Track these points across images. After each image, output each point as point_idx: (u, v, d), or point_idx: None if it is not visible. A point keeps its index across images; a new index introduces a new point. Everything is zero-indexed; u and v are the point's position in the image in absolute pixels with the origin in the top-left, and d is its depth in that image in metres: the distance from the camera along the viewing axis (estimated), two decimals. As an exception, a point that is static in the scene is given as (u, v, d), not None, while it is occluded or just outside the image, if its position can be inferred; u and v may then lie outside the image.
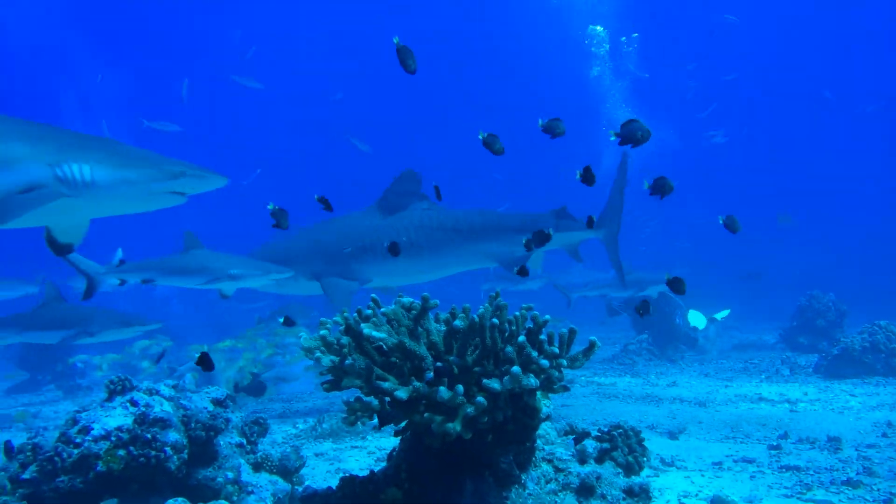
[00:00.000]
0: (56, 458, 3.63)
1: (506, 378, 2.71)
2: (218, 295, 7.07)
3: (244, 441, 4.43)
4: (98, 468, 3.62)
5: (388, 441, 5.80)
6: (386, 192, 8.02)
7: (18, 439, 6.18)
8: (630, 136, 4.18)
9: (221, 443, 4.21)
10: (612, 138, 4.23)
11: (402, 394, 2.78)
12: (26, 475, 3.62)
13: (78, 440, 3.73)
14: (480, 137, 3.99)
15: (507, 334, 2.95)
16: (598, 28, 23.89)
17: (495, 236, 7.95)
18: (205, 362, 3.82)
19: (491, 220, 8.06)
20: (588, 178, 4.23)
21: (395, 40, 3.85)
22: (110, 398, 4.21)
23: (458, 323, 2.91)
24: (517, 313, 2.93)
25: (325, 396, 8.27)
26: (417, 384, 2.82)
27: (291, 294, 8.38)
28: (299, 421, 6.85)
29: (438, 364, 2.92)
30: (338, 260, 7.56)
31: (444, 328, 3.16)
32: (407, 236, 7.72)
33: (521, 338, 2.81)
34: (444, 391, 2.72)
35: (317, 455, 5.29)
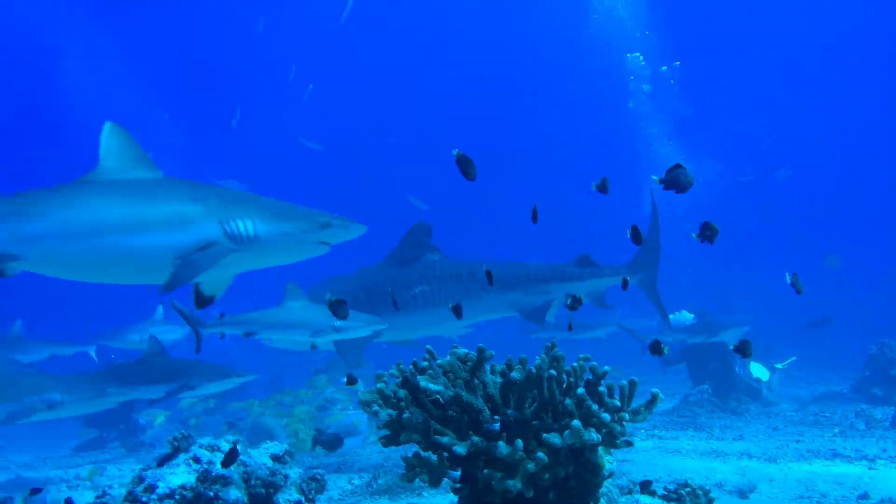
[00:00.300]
0: (123, 516, 3.71)
1: (566, 432, 2.67)
2: (268, 344, 7.18)
3: (302, 499, 4.44)
4: (163, 526, 3.68)
5: (444, 498, 5.69)
6: (398, 244, 8.06)
7: (86, 497, 6.36)
8: (674, 182, 4.14)
9: (280, 500, 4.24)
10: (657, 183, 4.18)
11: (460, 449, 2.76)
12: (95, 533, 3.71)
13: (144, 499, 3.82)
14: (455, 154, 3.66)
15: (565, 386, 2.92)
16: (637, 55, 23.00)
17: (514, 286, 7.88)
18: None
19: (509, 270, 8.02)
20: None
21: (455, 152, 4.06)
22: (174, 455, 4.31)
23: (514, 375, 2.90)
24: (575, 364, 2.90)
25: (379, 450, 8.20)
26: (476, 439, 2.80)
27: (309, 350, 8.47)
28: (354, 476, 6.81)
29: (496, 416, 2.90)
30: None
31: (500, 380, 3.15)
32: (420, 288, 7.71)
33: (581, 390, 2.77)
34: (503, 446, 2.69)
35: (373, 512, 5.23)
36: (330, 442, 7.31)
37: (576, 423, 2.67)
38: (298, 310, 6.69)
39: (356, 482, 6.51)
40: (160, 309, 11.77)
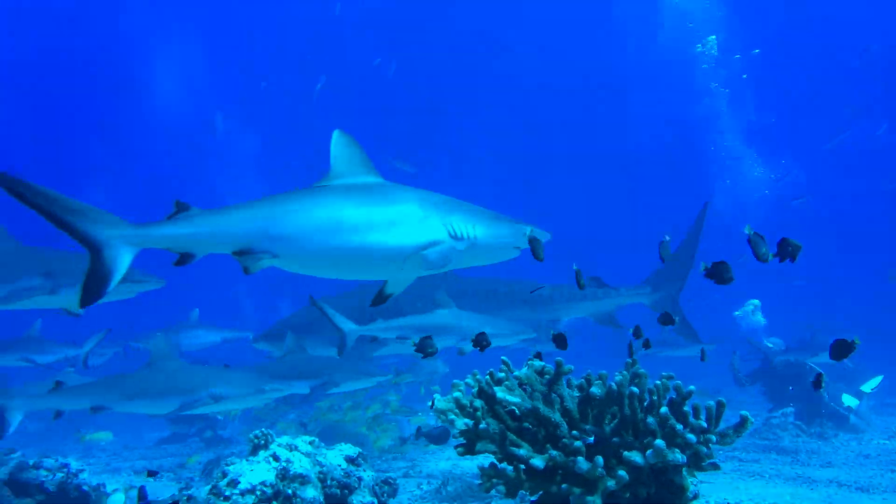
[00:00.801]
0: (208, 508, 3.88)
1: (649, 451, 2.60)
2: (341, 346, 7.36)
3: (375, 501, 4.51)
4: (245, 520, 3.82)
5: (513, 510, 5.65)
6: None
7: (169, 489, 6.69)
8: (783, 252, 4.01)
9: (355, 501, 4.32)
10: (771, 258, 3.79)
11: (538, 462, 2.74)
12: (182, 523, 3.89)
13: (227, 493, 3.97)
14: (747, 233, 3.35)
15: (646, 404, 2.85)
16: (711, 39, 21.69)
17: (522, 304, 8.04)
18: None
19: (519, 289, 8.26)
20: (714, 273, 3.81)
21: (527, 230, 4.39)
22: (254, 452, 4.48)
23: (594, 390, 2.85)
24: (658, 382, 2.82)
25: (447, 457, 8.24)
26: (554, 453, 2.77)
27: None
28: (423, 482, 6.86)
29: (574, 432, 2.86)
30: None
31: (577, 394, 3.10)
32: (421, 303, 7.93)
33: (664, 409, 2.70)
34: (582, 462, 2.64)
35: (442, 520, 5.25)
36: (438, 435, 7.35)
37: (659, 442, 2.59)
38: (449, 317, 6.80)
39: (425, 487, 6.57)
40: (196, 312, 12.01)
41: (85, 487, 5.31)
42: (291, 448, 4.42)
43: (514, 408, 3.05)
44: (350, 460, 4.67)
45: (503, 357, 3.35)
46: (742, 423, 2.72)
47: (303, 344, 7.84)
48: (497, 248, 4.51)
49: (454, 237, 4.27)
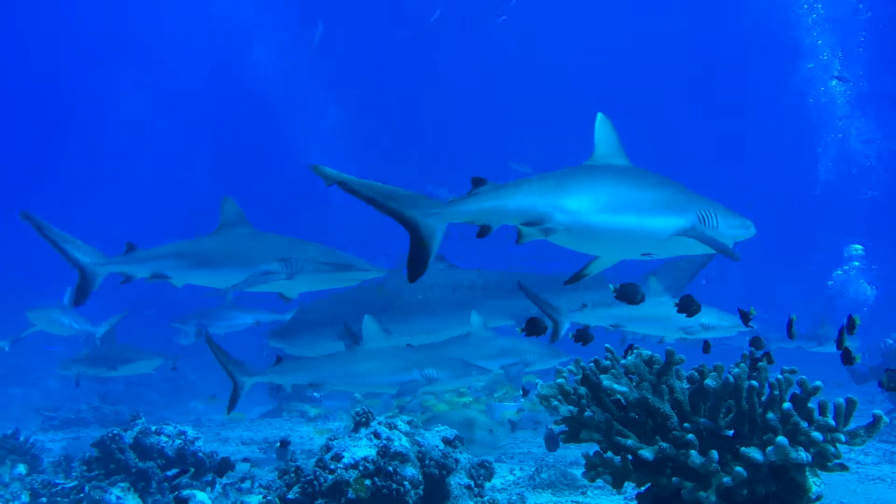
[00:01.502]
0: (315, 482, 4.04)
1: (770, 448, 2.46)
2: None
3: (472, 483, 4.56)
4: (349, 495, 3.96)
5: (608, 499, 5.55)
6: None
7: (272, 460, 7.05)
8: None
9: (452, 482, 4.38)
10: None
11: (647, 454, 2.66)
12: (290, 495, 4.08)
13: (332, 466, 4.12)
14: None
15: (765, 399, 2.70)
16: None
17: (510, 294, 8.03)
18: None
19: (507, 280, 8.40)
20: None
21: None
22: (356, 429, 4.62)
23: (709, 382, 2.73)
24: (780, 376, 2.67)
25: (539, 444, 8.21)
26: (664, 445, 2.68)
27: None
28: (515, 467, 6.88)
29: (686, 424, 2.75)
30: (355, 320, 7.62)
31: (687, 386, 2.99)
32: (423, 294, 8.22)
33: (787, 405, 2.55)
34: (696, 455, 2.54)
35: (536, 506, 5.24)
36: (550, 439, 7.40)
37: (781, 439, 2.45)
38: (666, 305, 6.59)
39: (518, 473, 6.57)
40: (230, 294, 12.08)
41: (200, 454, 5.69)
42: (391, 427, 4.53)
43: (620, 397, 2.98)
44: (447, 442, 4.73)
45: (607, 345, 3.28)
46: (875, 423, 2.53)
47: (316, 339, 8.15)
48: (728, 238, 4.60)
49: (703, 223, 4.42)
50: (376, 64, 36.62)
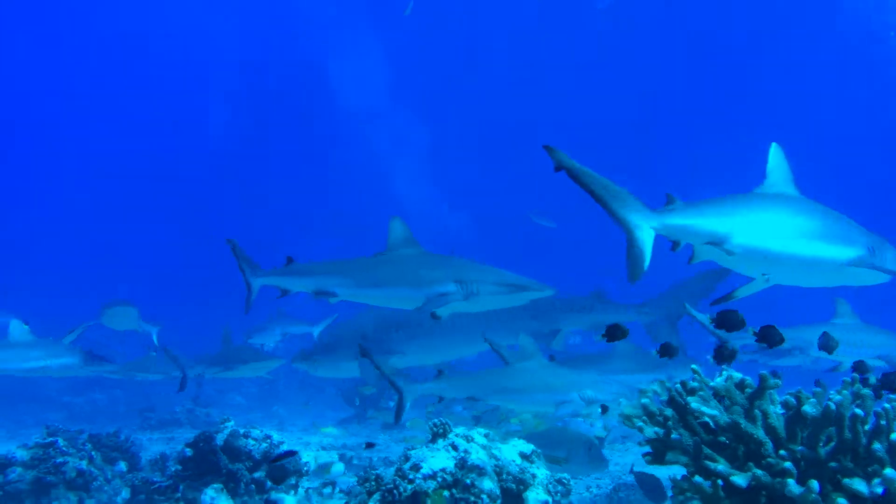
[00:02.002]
0: (395, 491, 4.12)
1: (876, 480, 2.32)
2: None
3: (549, 500, 4.50)
4: (428, 505, 4.01)
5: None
6: None
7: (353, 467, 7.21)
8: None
9: (530, 497, 4.35)
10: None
11: (740, 480, 2.57)
12: (371, 503, 4.18)
13: (411, 476, 4.20)
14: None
15: (869, 428, 2.55)
16: None
17: (523, 313, 7.66)
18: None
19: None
20: None
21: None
22: (433, 440, 4.68)
23: (808, 409, 2.61)
24: (886, 405, 2.51)
25: (615, 462, 8.02)
26: (758, 472, 2.57)
27: (337, 377, 9.63)
28: (592, 485, 6.76)
29: (782, 452, 2.63)
30: (372, 341, 7.56)
31: (781, 411, 2.86)
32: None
33: (894, 435, 2.39)
34: (794, 485, 2.43)
35: (615, 526, 5.13)
36: (652, 488, 7.14)
37: (889, 471, 2.31)
38: (857, 330, 6.55)
39: (595, 491, 6.47)
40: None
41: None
42: (469, 439, 4.56)
43: (709, 420, 2.89)
44: (524, 456, 4.71)
45: (694, 366, 3.19)
46: None
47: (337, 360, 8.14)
48: (882, 275, 4.71)
49: (872, 254, 4.57)
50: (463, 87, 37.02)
